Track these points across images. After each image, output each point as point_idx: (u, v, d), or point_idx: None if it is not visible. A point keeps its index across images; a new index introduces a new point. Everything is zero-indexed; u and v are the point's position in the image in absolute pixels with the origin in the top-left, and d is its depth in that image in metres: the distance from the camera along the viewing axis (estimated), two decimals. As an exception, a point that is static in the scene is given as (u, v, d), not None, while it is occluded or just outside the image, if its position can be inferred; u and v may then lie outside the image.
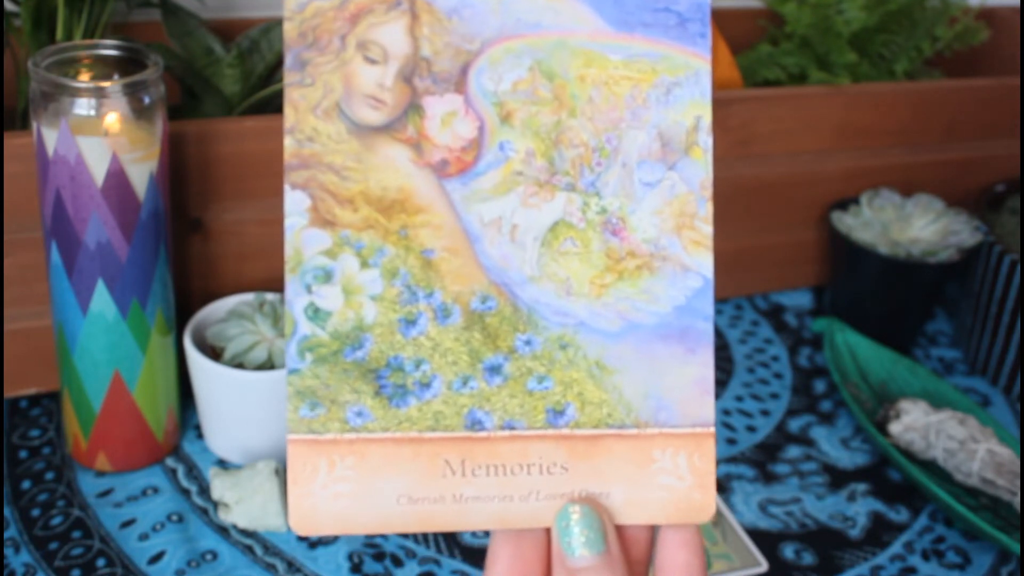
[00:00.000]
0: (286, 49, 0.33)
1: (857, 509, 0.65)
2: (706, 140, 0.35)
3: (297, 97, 0.33)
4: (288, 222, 0.33)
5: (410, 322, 0.34)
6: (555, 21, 0.34)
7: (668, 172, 0.34)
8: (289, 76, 0.33)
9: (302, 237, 0.33)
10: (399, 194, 0.34)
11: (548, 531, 0.34)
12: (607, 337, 0.34)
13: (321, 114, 0.33)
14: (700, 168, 0.35)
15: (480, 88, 0.34)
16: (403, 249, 0.34)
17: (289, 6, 0.33)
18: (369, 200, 0.33)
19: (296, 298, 0.33)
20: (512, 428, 0.34)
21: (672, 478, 0.34)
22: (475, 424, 0.34)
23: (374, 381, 0.33)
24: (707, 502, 0.34)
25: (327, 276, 0.33)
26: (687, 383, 0.34)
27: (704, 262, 0.35)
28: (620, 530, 0.34)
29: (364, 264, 0.33)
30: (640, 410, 0.34)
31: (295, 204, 0.33)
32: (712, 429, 0.34)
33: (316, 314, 0.33)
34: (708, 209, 0.34)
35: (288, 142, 0.33)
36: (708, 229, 0.35)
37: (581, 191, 0.34)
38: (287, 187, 0.33)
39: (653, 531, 0.35)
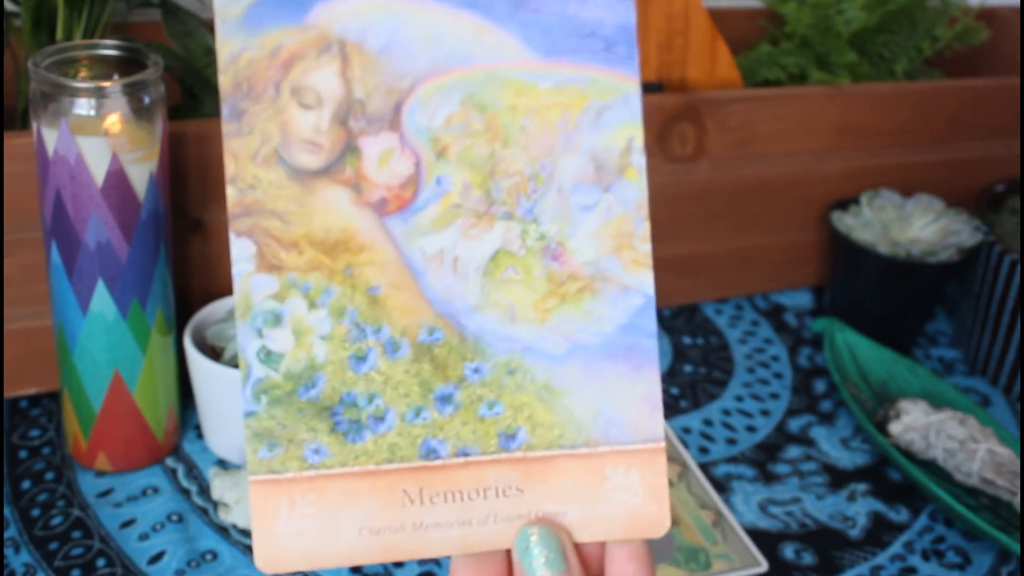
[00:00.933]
0: (222, 100, 0.33)
1: (857, 509, 0.65)
2: (639, 160, 0.35)
3: (236, 147, 0.34)
4: (235, 269, 0.34)
5: (360, 358, 0.34)
6: (484, 54, 0.34)
7: (604, 194, 0.35)
8: (227, 126, 0.33)
9: (250, 283, 0.34)
10: (342, 234, 0.34)
11: (509, 552, 0.35)
12: (553, 360, 0.35)
13: (261, 162, 0.34)
14: (635, 188, 0.35)
15: (414, 125, 0.34)
16: (349, 288, 0.34)
17: (222, 57, 0.33)
18: (313, 242, 0.34)
19: (248, 342, 0.34)
20: (466, 455, 0.34)
21: (626, 494, 0.35)
22: (430, 453, 0.34)
23: (329, 418, 0.34)
24: (661, 516, 0.35)
25: (277, 319, 0.34)
26: (635, 400, 0.35)
27: (644, 280, 0.35)
28: (578, 547, 0.35)
29: (312, 305, 0.34)
30: (591, 429, 0.35)
31: (241, 251, 0.34)
32: (662, 444, 0.35)
33: (268, 357, 0.34)
34: (645, 228, 0.35)
35: (230, 191, 0.34)
36: (646, 248, 0.35)
37: (519, 219, 0.35)
38: (232, 235, 0.34)
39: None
